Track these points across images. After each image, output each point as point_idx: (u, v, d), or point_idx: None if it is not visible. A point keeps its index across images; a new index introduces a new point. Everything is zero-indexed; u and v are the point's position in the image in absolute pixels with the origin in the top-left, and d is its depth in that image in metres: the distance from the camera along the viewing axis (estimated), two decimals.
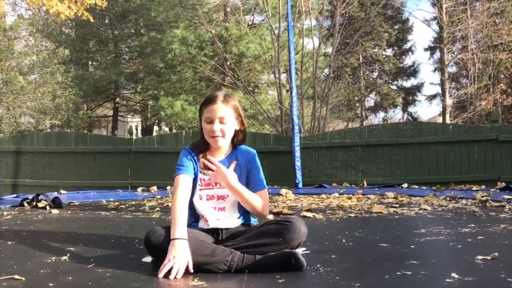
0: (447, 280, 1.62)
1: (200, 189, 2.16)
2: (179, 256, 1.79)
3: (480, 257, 1.92)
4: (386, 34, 22.61)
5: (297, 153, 6.51)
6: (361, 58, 22.33)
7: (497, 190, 4.76)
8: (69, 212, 4.05)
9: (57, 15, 10.95)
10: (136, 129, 9.18)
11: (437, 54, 20.94)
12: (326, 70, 11.68)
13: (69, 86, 14.83)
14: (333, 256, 2.09)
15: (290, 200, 4.79)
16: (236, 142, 2.24)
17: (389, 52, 23.81)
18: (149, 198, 5.25)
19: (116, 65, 18.48)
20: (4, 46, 12.65)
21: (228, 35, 14.21)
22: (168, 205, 4.48)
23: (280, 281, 1.69)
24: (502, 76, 19.09)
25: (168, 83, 15.85)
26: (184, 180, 2.10)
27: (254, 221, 2.24)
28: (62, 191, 5.78)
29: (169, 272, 1.76)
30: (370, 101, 24.21)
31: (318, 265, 1.89)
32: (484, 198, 4.06)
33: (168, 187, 5.97)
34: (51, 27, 17.11)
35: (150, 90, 17.41)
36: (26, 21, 16.07)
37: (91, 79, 17.77)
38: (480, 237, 2.42)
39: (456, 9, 16.87)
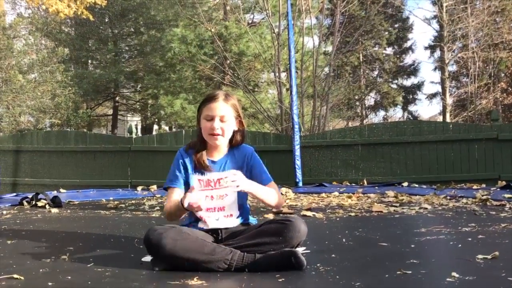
0: (448, 279, 1.62)
1: (200, 190, 2.15)
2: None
3: (480, 256, 1.92)
4: (386, 33, 22.59)
5: (297, 152, 6.51)
6: (361, 57, 22.31)
7: (498, 189, 4.76)
8: (68, 211, 4.05)
9: (56, 14, 10.94)
10: (136, 128, 9.19)
11: (438, 53, 20.92)
12: (326, 69, 11.67)
13: (69, 85, 14.82)
14: (333, 255, 2.09)
15: (290, 199, 4.80)
16: (234, 142, 2.23)
17: (389, 50, 23.78)
18: (149, 197, 5.25)
19: (115, 64, 18.45)
20: (3, 45, 12.63)
21: (228, 34, 14.20)
22: None
23: (280, 280, 1.69)
24: (503, 74, 19.07)
25: (167, 82, 15.84)
26: (176, 194, 2.16)
27: (253, 220, 2.24)
28: (61, 190, 5.78)
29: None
30: (370, 100, 24.19)
31: (318, 264, 1.89)
32: (484, 197, 4.06)
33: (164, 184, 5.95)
34: (51, 26, 17.10)
35: (150, 89, 17.39)
36: (25, 19, 16.05)
37: (90, 78, 17.75)
38: (480, 236, 2.42)
39: (457, 8, 16.85)
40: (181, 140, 7.82)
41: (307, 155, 7.30)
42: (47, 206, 4.20)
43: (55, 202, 4.32)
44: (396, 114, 24.40)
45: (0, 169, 8.47)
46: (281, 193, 5.14)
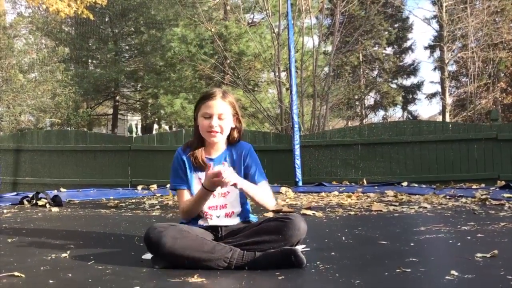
0: (447, 277, 1.62)
1: None
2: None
3: (479, 254, 1.93)
4: (386, 33, 22.59)
5: (297, 152, 6.51)
6: (361, 57, 22.31)
7: (497, 189, 4.77)
8: (69, 210, 4.05)
9: (57, 13, 10.94)
10: (136, 127, 9.19)
11: (437, 53, 20.92)
12: (326, 69, 11.67)
13: (69, 84, 14.83)
14: (332, 253, 2.09)
15: (290, 198, 4.80)
16: (231, 139, 2.24)
17: (389, 50, 23.79)
18: (149, 196, 5.26)
19: (116, 63, 18.46)
20: (4, 44, 12.64)
21: (228, 34, 14.20)
22: (168, 203, 4.49)
23: (280, 278, 1.69)
24: (502, 74, 19.08)
25: (167, 81, 15.85)
26: (187, 195, 2.17)
27: (253, 218, 2.24)
28: (62, 189, 5.79)
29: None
30: (370, 100, 24.20)
31: (318, 262, 1.89)
32: (483, 197, 4.06)
33: (168, 185, 5.97)
34: (51, 25, 17.11)
35: (150, 88, 17.41)
36: (26, 19, 16.06)
37: (91, 77, 17.76)
38: (479, 235, 2.43)
39: (456, 8, 16.85)
40: (181, 139, 7.83)
41: (307, 154, 7.31)
42: (47, 205, 4.21)
43: (56, 201, 4.32)
44: (396, 114, 24.43)
45: (1, 168, 8.48)
46: (281, 192, 5.19)
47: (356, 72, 22.15)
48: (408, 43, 23.58)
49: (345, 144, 7.35)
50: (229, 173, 1.97)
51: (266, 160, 7.41)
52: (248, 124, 13.02)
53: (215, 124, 2.12)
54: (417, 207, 3.67)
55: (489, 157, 6.87)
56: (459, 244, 2.25)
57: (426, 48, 22.15)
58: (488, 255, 1.91)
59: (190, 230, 1.95)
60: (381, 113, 24.16)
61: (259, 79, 16.28)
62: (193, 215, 2.15)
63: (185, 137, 7.84)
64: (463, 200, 4.10)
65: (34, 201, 4.35)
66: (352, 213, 3.53)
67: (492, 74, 17.11)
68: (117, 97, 20.73)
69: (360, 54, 22.08)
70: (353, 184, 6.21)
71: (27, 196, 4.57)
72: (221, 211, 2.14)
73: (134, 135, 8.33)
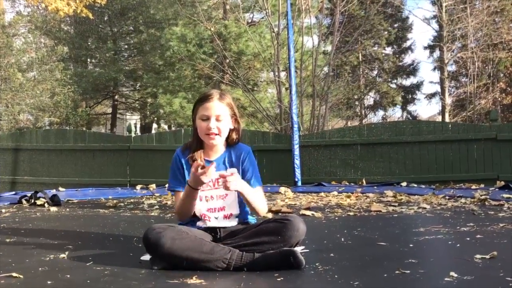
0: (446, 279, 1.62)
1: (201, 190, 2.15)
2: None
3: (478, 256, 1.92)
4: (386, 33, 22.59)
5: (296, 151, 6.51)
6: (360, 57, 22.30)
7: (496, 189, 4.77)
8: (67, 209, 4.04)
9: (56, 12, 10.92)
10: (135, 127, 9.20)
11: (437, 53, 20.92)
12: (326, 68, 11.68)
13: (68, 83, 14.83)
14: (331, 254, 2.09)
15: (289, 198, 4.80)
16: (230, 141, 2.23)
17: (388, 50, 23.79)
18: (148, 196, 5.25)
19: (115, 62, 18.45)
20: (3, 43, 12.63)
21: (227, 33, 14.19)
22: (166, 203, 4.48)
23: (279, 279, 1.69)
24: (502, 75, 19.09)
25: (166, 80, 15.84)
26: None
27: (252, 219, 2.24)
28: (60, 189, 5.78)
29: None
30: (369, 100, 24.20)
31: (317, 264, 1.89)
32: (483, 197, 4.06)
33: (167, 185, 5.96)
34: (50, 24, 17.09)
35: (149, 87, 17.40)
36: (25, 18, 16.05)
37: (90, 76, 17.74)
38: (479, 236, 2.42)
39: (456, 8, 16.86)
40: (180, 139, 7.83)
41: (306, 154, 7.30)
42: (46, 205, 4.20)
43: (54, 200, 4.32)
44: (395, 114, 24.43)
45: None
46: (280, 192, 5.19)
47: (355, 72, 22.16)
48: (408, 43, 23.60)
49: (344, 144, 7.35)
50: (234, 179, 1.97)
51: (265, 160, 7.42)
52: (248, 124, 13.02)
53: (213, 126, 2.11)
54: (416, 208, 3.67)
55: (489, 158, 6.87)
56: (458, 245, 2.24)
57: (425, 48, 22.16)
58: (488, 257, 1.91)
59: (189, 231, 1.94)
60: (380, 113, 24.18)
61: (258, 79, 16.28)
62: (186, 215, 2.14)
63: (184, 137, 7.84)
64: (463, 200, 4.10)
65: (33, 201, 4.35)
66: (351, 213, 3.53)
67: (491, 75, 17.13)
68: (116, 96, 20.72)
69: (360, 54, 22.07)
70: (352, 184, 6.20)
71: (26, 196, 4.56)
72: (219, 213, 2.14)
73: (133, 134, 8.32)
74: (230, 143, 2.23)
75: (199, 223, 2.14)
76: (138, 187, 6.09)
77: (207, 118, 2.13)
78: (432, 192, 4.79)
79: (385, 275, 1.71)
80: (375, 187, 5.51)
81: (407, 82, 23.60)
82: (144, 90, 19.13)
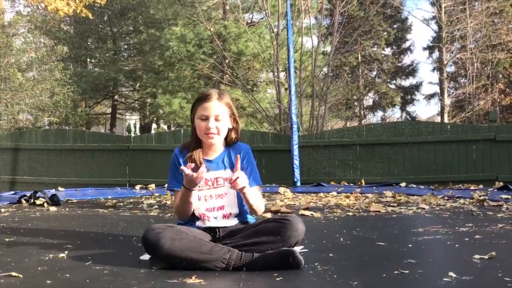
0: (445, 279, 1.62)
1: (199, 190, 2.15)
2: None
3: (477, 256, 1.93)
4: (385, 33, 22.60)
5: (296, 152, 6.51)
6: (359, 57, 22.32)
7: (495, 190, 4.77)
8: (67, 209, 4.04)
9: (55, 12, 10.92)
10: (135, 127, 9.19)
11: (436, 54, 20.94)
12: (325, 69, 11.68)
13: (68, 83, 14.82)
14: (331, 254, 2.09)
15: (288, 198, 4.80)
16: (229, 140, 2.23)
17: (387, 51, 23.80)
18: (147, 196, 5.25)
19: (114, 62, 18.45)
20: (2, 43, 12.62)
21: (227, 33, 14.20)
22: (166, 203, 4.48)
23: (278, 279, 1.69)
24: (501, 76, 19.12)
25: (166, 81, 15.84)
26: None
27: (251, 219, 2.24)
28: (60, 189, 5.78)
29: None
30: (368, 100, 24.21)
31: (316, 264, 1.89)
32: (481, 198, 4.07)
33: (166, 185, 5.96)
34: (50, 24, 17.08)
35: (149, 87, 17.39)
36: (24, 17, 16.04)
37: (89, 76, 17.74)
38: (477, 236, 2.43)
39: (455, 9, 16.88)
40: (180, 139, 7.83)
41: (305, 155, 7.31)
42: (45, 205, 4.20)
43: (54, 200, 4.32)
44: (394, 114, 24.45)
45: None
46: (280, 193, 5.19)
47: (355, 73, 22.18)
48: (407, 44, 23.61)
49: (343, 144, 7.35)
50: (242, 178, 1.97)
51: (264, 160, 7.42)
52: (247, 124, 13.02)
53: (212, 126, 2.12)
54: (415, 208, 3.68)
55: (487, 158, 6.87)
56: (457, 245, 2.25)
57: (425, 49, 22.18)
58: (486, 257, 1.91)
59: (188, 231, 1.94)
60: (379, 113, 24.20)
61: (258, 79, 16.28)
62: (185, 215, 2.14)
63: (184, 137, 7.84)
64: (461, 201, 4.10)
65: (32, 200, 4.35)
66: (350, 214, 3.53)
67: (490, 75, 17.15)
68: (116, 97, 20.72)
69: (359, 55, 22.08)
70: (351, 184, 6.21)
71: (25, 195, 4.56)
72: (218, 212, 2.14)
73: (132, 134, 8.32)
74: (229, 143, 2.23)
75: (198, 223, 2.14)
76: (138, 187, 6.09)
77: (206, 118, 2.13)
78: (431, 192, 4.80)
79: (384, 275, 1.71)
80: (374, 187, 5.52)
81: (406, 82, 23.63)
82: (143, 90, 19.12)
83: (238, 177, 1.95)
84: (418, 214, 3.40)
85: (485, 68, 16.86)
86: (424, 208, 3.66)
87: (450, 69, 20.04)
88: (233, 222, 2.15)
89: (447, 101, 18.80)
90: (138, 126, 22.61)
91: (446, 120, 17.69)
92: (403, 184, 5.67)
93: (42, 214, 3.68)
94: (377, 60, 22.85)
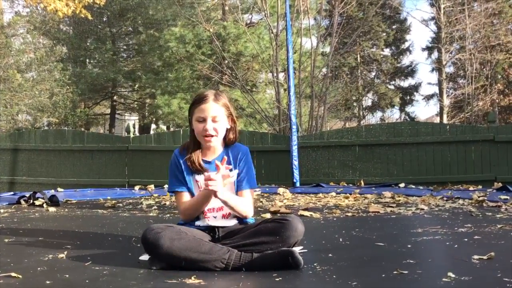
0: (444, 279, 1.63)
1: (199, 190, 2.16)
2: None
3: (476, 256, 1.93)
4: (384, 34, 22.61)
5: (295, 152, 6.52)
6: (359, 58, 22.33)
7: (494, 190, 4.78)
8: (66, 210, 4.04)
9: (54, 13, 10.91)
10: (134, 127, 9.17)
11: (435, 54, 20.96)
12: (324, 70, 11.69)
13: (67, 83, 14.80)
14: (330, 255, 2.09)
15: (288, 199, 4.80)
16: (227, 141, 2.23)
17: (386, 52, 23.81)
18: (146, 197, 5.25)
19: (113, 63, 18.43)
20: (1, 44, 12.61)
21: (226, 34, 14.19)
22: (165, 204, 4.48)
23: (277, 279, 1.69)
24: (499, 76, 19.13)
25: (165, 81, 15.83)
26: (186, 196, 2.17)
27: (251, 219, 2.24)
28: (59, 189, 5.78)
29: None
30: (367, 101, 24.21)
31: (315, 264, 1.90)
32: (480, 198, 4.07)
33: (166, 186, 5.96)
34: (49, 25, 17.06)
35: (148, 88, 17.37)
36: (23, 18, 16.02)
37: (88, 77, 17.71)
38: (476, 237, 2.43)
39: (454, 10, 16.91)
40: (179, 139, 7.83)
41: (305, 155, 7.31)
42: (44, 205, 4.20)
43: (53, 201, 4.31)
44: (393, 115, 24.44)
45: None
46: (279, 193, 5.19)
47: (354, 73, 22.19)
48: (406, 45, 23.62)
49: (342, 145, 7.35)
50: (217, 182, 1.96)
51: (263, 160, 7.41)
52: (246, 125, 13.02)
53: (209, 128, 2.12)
54: (414, 209, 3.68)
55: (486, 159, 6.88)
56: (456, 246, 2.25)
57: (424, 49, 22.19)
58: (485, 257, 1.91)
59: (188, 231, 1.95)
60: (378, 114, 24.20)
61: (257, 80, 16.28)
62: (195, 215, 2.14)
63: (183, 137, 7.84)
64: (460, 201, 4.10)
65: (31, 201, 4.34)
66: (350, 214, 3.53)
67: (489, 76, 17.17)
68: (115, 97, 20.70)
69: (358, 55, 22.10)
70: (350, 185, 6.21)
71: (24, 196, 4.56)
72: (218, 212, 2.15)
73: (131, 135, 8.32)
74: (227, 143, 2.24)
75: (198, 222, 2.14)
76: (137, 187, 6.09)
77: (203, 120, 2.13)
78: (430, 193, 4.80)
79: (383, 275, 1.72)
80: (373, 188, 5.52)
81: (405, 83, 23.63)
82: (142, 91, 19.10)
83: (213, 179, 1.95)
84: (417, 215, 3.40)
85: (484, 69, 16.89)
86: (423, 209, 3.66)
87: (449, 69, 20.08)
88: (232, 222, 2.16)
89: (446, 101, 18.81)
90: (137, 126, 22.58)
91: (445, 120, 17.71)
92: (402, 185, 5.68)
93: (41, 215, 3.68)
94: (376, 61, 22.86)
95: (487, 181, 6.19)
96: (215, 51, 12.88)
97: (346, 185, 6.20)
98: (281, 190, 5.40)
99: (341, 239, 2.48)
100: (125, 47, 20.64)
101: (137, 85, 19.68)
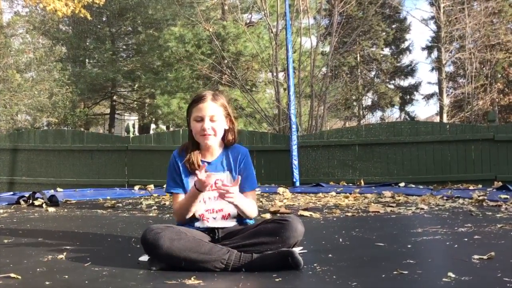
0: (444, 279, 1.62)
1: None
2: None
3: (476, 256, 1.93)
4: (384, 33, 22.59)
5: (295, 152, 6.51)
6: (358, 57, 22.32)
7: (494, 190, 4.77)
8: (65, 210, 4.04)
9: (54, 12, 10.91)
10: (133, 127, 9.14)
11: (435, 54, 20.95)
12: (324, 69, 11.68)
13: (66, 83, 14.80)
14: (330, 255, 2.09)
15: (287, 199, 4.80)
16: (226, 141, 2.23)
17: (386, 51, 23.79)
18: (146, 197, 5.25)
19: (113, 62, 18.42)
20: (1, 44, 12.61)
21: (225, 34, 14.19)
22: (165, 203, 4.48)
23: (277, 280, 1.69)
24: (499, 75, 19.13)
25: (165, 81, 15.83)
26: (180, 199, 2.18)
27: (250, 220, 2.24)
28: (58, 189, 5.77)
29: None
30: (367, 100, 24.20)
31: (315, 264, 1.89)
32: (480, 198, 4.06)
33: (165, 187, 5.95)
34: (48, 25, 17.05)
35: (147, 88, 17.36)
36: (23, 18, 16.01)
37: (88, 76, 17.72)
38: (476, 236, 2.43)
39: (454, 9, 16.89)
40: (178, 139, 7.82)
41: (305, 155, 7.31)
42: (44, 205, 4.20)
43: (52, 201, 4.31)
44: (393, 114, 24.42)
45: None
46: (279, 193, 5.19)
47: (353, 73, 22.17)
48: (406, 44, 23.60)
49: (342, 144, 7.35)
50: (235, 193, 1.99)
51: (263, 160, 7.41)
52: (246, 124, 13.01)
53: (207, 127, 2.12)
54: (414, 208, 3.68)
55: (486, 158, 6.88)
56: (456, 245, 2.25)
57: (423, 49, 22.18)
58: (485, 257, 1.91)
59: (188, 232, 1.94)
60: (378, 113, 24.19)
61: (256, 79, 16.27)
62: (185, 216, 2.13)
63: (182, 137, 7.83)
64: (460, 201, 4.10)
65: (31, 201, 4.34)
66: (349, 214, 3.53)
67: (489, 75, 17.16)
68: (114, 97, 20.69)
69: (358, 55, 22.09)
70: (350, 184, 6.21)
71: (24, 196, 4.56)
72: (217, 214, 2.14)
73: (131, 135, 8.31)
74: (226, 144, 2.23)
75: (197, 224, 2.14)
76: (136, 187, 6.09)
77: (201, 119, 2.13)
78: (430, 192, 4.80)
79: (383, 275, 1.71)
80: (373, 187, 5.52)
81: (405, 82, 23.62)
82: (142, 91, 19.09)
83: (232, 192, 1.97)
84: (417, 214, 3.40)
85: (484, 68, 16.89)
86: (423, 208, 3.66)
87: (449, 69, 20.07)
88: (232, 223, 2.15)
89: (446, 101, 18.81)
90: (136, 126, 22.57)
91: (445, 120, 17.71)
92: (402, 184, 5.67)
93: (40, 215, 3.68)
94: (376, 60, 22.85)
95: (487, 180, 6.19)
96: (214, 50, 12.88)
97: (346, 184, 6.20)
98: (281, 189, 5.39)
99: (341, 239, 2.48)
100: (124, 47, 20.64)
101: (136, 85, 19.68)
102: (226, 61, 12.69)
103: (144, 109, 21.00)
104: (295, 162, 6.49)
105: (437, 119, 21.28)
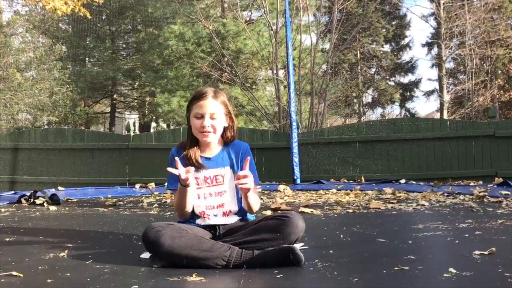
0: (445, 275, 1.63)
1: (198, 188, 2.15)
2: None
3: (477, 252, 1.93)
4: (384, 30, 22.56)
5: (295, 149, 6.51)
6: (358, 54, 22.28)
7: (495, 186, 4.77)
8: (67, 208, 4.05)
9: (53, 11, 10.90)
10: (134, 126, 9.14)
11: (435, 50, 20.92)
12: (324, 66, 11.67)
13: (66, 82, 14.80)
14: (331, 251, 2.09)
15: (288, 196, 4.80)
16: (225, 139, 2.23)
17: (386, 48, 23.76)
18: (147, 195, 5.25)
19: (113, 61, 18.42)
20: (1, 43, 12.60)
21: (225, 31, 14.17)
22: (166, 202, 4.49)
23: (278, 276, 1.69)
24: (500, 72, 19.09)
25: (165, 79, 15.82)
26: None
27: (251, 216, 2.24)
28: (60, 188, 5.78)
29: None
30: (367, 97, 24.18)
31: (316, 260, 1.90)
32: (481, 194, 4.06)
33: (166, 183, 5.96)
34: (48, 23, 17.05)
35: (147, 86, 17.35)
36: (22, 17, 16.01)
37: (88, 75, 17.72)
38: (477, 232, 2.43)
39: (454, 5, 16.85)
40: (179, 137, 7.82)
41: (305, 152, 7.30)
42: (45, 204, 4.20)
43: (53, 199, 4.32)
44: (394, 111, 24.40)
45: None
46: (280, 190, 5.20)
47: (353, 70, 22.14)
48: (406, 41, 23.57)
49: (343, 141, 7.35)
50: (251, 180, 1.99)
51: (264, 158, 7.42)
52: (246, 122, 13.02)
53: (207, 124, 2.12)
54: (415, 205, 3.68)
55: (487, 154, 6.88)
56: (457, 241, 2.25)
57: (423, 45, 22.17)
58: (486, 253, 1.91)
59: (189, 229, 1.95)
60: (379, 110, 24.17)
61: (257, 77, 16.26)
62: (183, 211, 2.14)
63: (183, 135, 7.83)
64: (461, 197, 4.10)
65: (32, 200, 4.35)
66: (350, 210, 3.53)
67: (489, 72, 17.13)
68: (115, 95, 20.69)
69: (358, 52, 22.06)
70: (351, 181, 6.21)
71: (25, 195, 4.56)
72: (218, 210, 2.15)
73: (131, 133, 8.31)
74: (226, 141, 2.24)
75: (199, 221, 2.15)
76: (137, 185, 6.09)
77: (201, 116, 2.13)
78: (430, 189, 4.80)
79: (384, 271, 1.72)
80: (374, 184, 5.52)
81: (405, 79, 23.59)
82: (142, 89, 19.09)
83: (248, 176, 1.97)
84: (418, 211, 3.40)
85: (484, 64, 16.85)
86: (424, 205, 3.66)
87: (449, 65, 20.03)
88: (233, 219, 2.15)
89: (446, 97, 18.78)
90: (137, 125, 22.58)
91: (445, 116, 17.68)
92: (402, 181, 5.67)
93: (42, 214, 3.68)
94: (376, 57, 22.81)
95: (488, 177, 6.18)
96: (214, 48, 12.87)
97: (346, 181, 6.20)
98: (281, 187, 5.40)
99: (342, 236, 2.48)
100: (124, 45, 20.63)
101: (136, 83, 19.68)
102: (226, 59, 12.68)
103: (144, 108, 21.00)
104: (296, 159, 6.49)
105: (437, 115, 21.25)
